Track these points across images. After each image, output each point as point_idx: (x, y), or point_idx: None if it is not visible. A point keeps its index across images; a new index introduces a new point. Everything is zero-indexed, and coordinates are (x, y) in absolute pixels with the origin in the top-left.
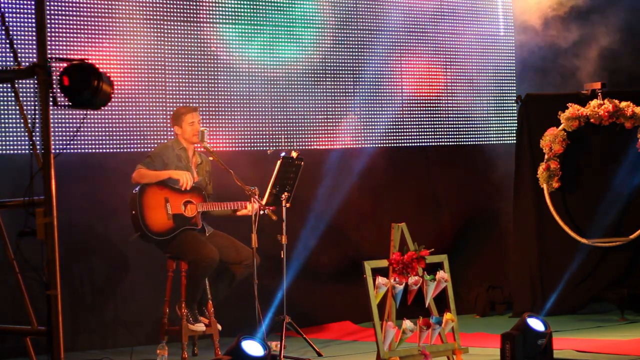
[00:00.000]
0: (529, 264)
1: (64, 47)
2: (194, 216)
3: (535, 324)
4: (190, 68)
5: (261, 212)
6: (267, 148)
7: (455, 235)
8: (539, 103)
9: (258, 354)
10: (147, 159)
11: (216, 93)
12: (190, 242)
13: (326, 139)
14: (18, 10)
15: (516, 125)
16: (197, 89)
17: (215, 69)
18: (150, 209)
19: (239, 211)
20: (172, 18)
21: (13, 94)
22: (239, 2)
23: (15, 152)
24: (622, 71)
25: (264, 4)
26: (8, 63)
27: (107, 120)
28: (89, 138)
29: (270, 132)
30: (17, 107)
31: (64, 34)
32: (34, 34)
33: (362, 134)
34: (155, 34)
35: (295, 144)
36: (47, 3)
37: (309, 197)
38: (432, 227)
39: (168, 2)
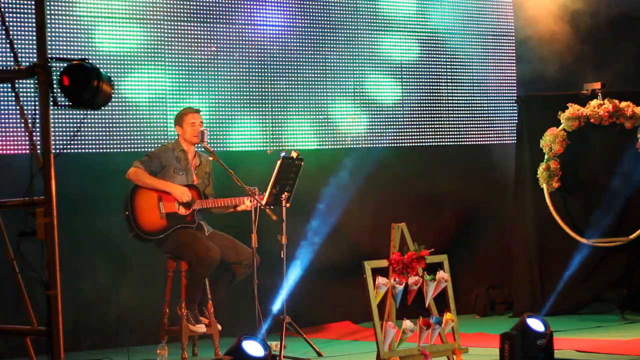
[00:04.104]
0: (529, 264)
1: (64, 47)
2: (189, 214)
3: (535, 324)
4: (190, 68)
5: (260, 207)
6: (267, 148)
7: (455, 235)
8: (539, 103)
9: (258, 355)
10: (145, 158)
11: (216, 93)
12: (187, 240)
13: (326, 139)
14: (18, 10)
15: (516, 125)
16: (197, 89)
17: (215, 69)
18: (142, 208)
19: (239, 206)
20: (172, 18)
21: (13, 94)
22: (238, 2)
23: (15, 152)
24: (621, 71)
25: (263, 3)
26: (8, 63)
27: (107, 120)
28: (89, 138)
29: (270, 132)
30: (17, 107)
31: (64, 34)
32: (34, 34)
33: (363, 134)
34: (155, 34)
35: (295, 144)
36: (47, 3)
37: (308, 197)
38: (432, 227)
39: (168, 2)
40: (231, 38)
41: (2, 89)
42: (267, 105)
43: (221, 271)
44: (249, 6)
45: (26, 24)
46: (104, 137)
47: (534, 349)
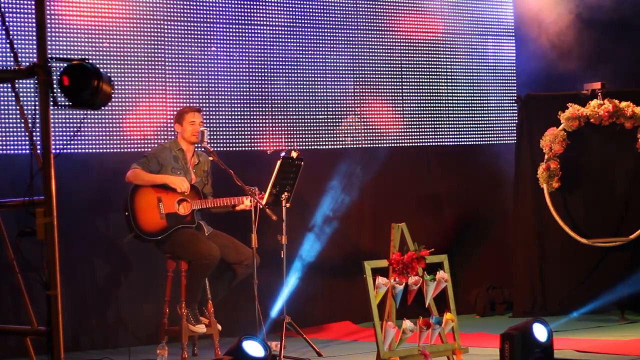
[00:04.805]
0: (529, 264)
1: (64, 47)
2: (189, 214)
3: (539, 330)
4: (190, 68)
5: (259, 207)
6: (267, 148)
7: (456, 235)
8: (539, 103)
9: (258, 355)
10: (142, 159)
11: (216, 93)
12: (187, 240)
13: (326, 139)
14: (18, 10)
15: (516, 125)
16: (197, 89)
17: (215, 69)
18: (142, 209)
19: (238, 206)
20: (172, 18)
21: (13, 94)
22: (238, 2)
23: (15, 152)
24: (622, 71)
25: (263, 3)
26: (8, 63)
27: (107, 120)
28: (89, 138)
29: (270, 132)
30: (17, 107)
31: (64, 34)
32: (34, 34)
33: (362, 134)
34: (155, 34)
35: (295, 144)
36: (47, 3)
37: (308, 197)
38: (432, 227)
39: (168, 2)
40: (231, 38)
41: (2, 89)
42: (267, 105)
43: (221, 271)
44: (249, 6)
45: (26, 24)
46: (104, 137)
47: (533, 353)
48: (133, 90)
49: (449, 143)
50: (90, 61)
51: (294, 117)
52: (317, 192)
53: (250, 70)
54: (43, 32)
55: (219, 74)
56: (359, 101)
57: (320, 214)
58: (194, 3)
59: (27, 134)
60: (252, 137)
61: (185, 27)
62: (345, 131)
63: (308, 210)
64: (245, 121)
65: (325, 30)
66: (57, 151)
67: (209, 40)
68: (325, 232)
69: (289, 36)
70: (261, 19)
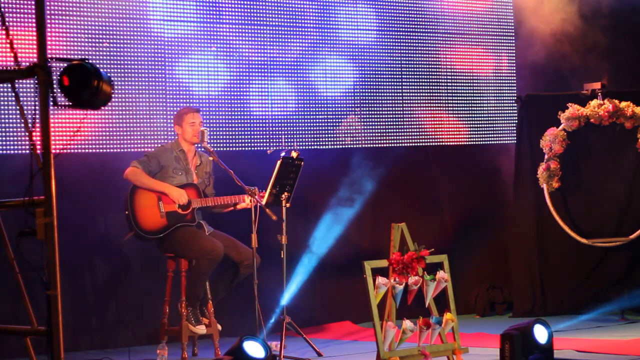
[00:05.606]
0: (529, 264)
1: (64, 47)
2: (189, 213)
3: (540, 331)
4: (190, 68)
5: (259, 207)
6: (267, 148)
7: (456, 235)
8: (539, 103)
9: (259, 355)
10: (143, 158)
11: (216, 93)
12: (189, 238)
13: (326, 139)
14: (18, 10)
15: (516, 125)
16: (197, 89)
17: (215, 69)
18: (142, 207)
19: (239, 204)
20: (172, 18)
21: (13, 94)
22: (238, 2)
23: (15, 152)
24: (622, 71)
25: (263, 3)
26: (8, 63)
27: (107, 120)
28: (89, 138)
29: (270, 132)
30: (17, 107)
31: (64, 34)
32: (34, 34)
33: (362, 134)
34: (155, 34)
35: (295, 144)
36: (47, 3)
37: (308, 197)
38: (432, 227)
39: (168, 2)
40: (231, 38)
41: (2, 89)
42: (267, 105)
43: (221, 271)
44: (249, 6)
45: (26, 24)
46: (104, 137)
47: (533, 353)
48: (133, 90)
49: (449, 143)
50: (90, 61)
51: (294, 117)
52: (317, 192)
53: (250, 70)
54: (43, 32)
55: (219, 74)
56: (359, 101)
57: (320, 213)
58: (194, 3)
59: (27, 134)
60: (252, 137)
61: (185, 27)
62: (345, 131)
63: (308, 210)
64: (245, 121)
65: (325, 30)
66: (57, 151)
67: (209, 40)
68: (326, 230)
69: (289, 36)
70: (261, 19)
